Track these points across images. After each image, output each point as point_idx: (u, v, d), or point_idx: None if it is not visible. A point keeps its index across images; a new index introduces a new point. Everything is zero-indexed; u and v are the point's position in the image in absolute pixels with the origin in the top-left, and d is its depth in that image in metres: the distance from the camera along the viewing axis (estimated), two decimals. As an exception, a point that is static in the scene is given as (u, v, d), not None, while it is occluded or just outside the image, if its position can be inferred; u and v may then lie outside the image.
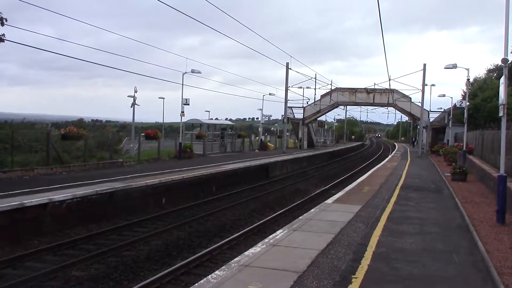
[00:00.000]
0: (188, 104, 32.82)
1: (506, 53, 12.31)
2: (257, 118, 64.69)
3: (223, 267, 7.52)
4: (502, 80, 12.71)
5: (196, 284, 6.77)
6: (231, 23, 25.71)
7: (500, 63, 12.87)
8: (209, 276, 7.02)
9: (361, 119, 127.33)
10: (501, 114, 12.59)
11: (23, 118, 30.45)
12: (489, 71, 61.76)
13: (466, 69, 33.23)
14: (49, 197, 13.56)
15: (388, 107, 62.45)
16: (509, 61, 13.03)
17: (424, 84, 46.84)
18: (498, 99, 13.22)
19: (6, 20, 14.71)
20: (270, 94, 50.96)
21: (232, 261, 7.89)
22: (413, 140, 76.39)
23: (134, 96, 31.65)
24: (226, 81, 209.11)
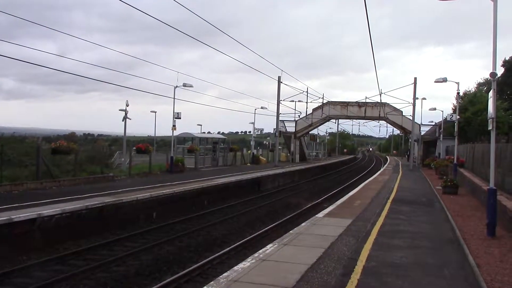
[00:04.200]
0: (180, 118, 32.79)
1: (494, 67, 12.41)
2: (249, 132, 64.67)
3: (212, 282, 7.44)
4: (491, 94, 12.79)
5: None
6: (230, 38, 25.89)
7: (489, 77, 12.95)
8: (198, 292, 6.96)
9: (353, 133, 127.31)
10: (490, 127, 12.66)
11: (13, 132, 30.27)
12: (479, 84, 62.35)
13: (456, 83, 33.39)
14: (38, 212, 13.43)
15: (380, 121, 62.75)
16: (498, 76, 13.12)
17: (415, 98, 47.25)
18: (487, 113, 13.29)
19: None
20: (262, 108, 51.04)
21: (221, 276, 7.82)
22: (407, 153, 76.63)
23: (126, 110, 31.60)
24: (221, 96, 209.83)
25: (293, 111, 57.45)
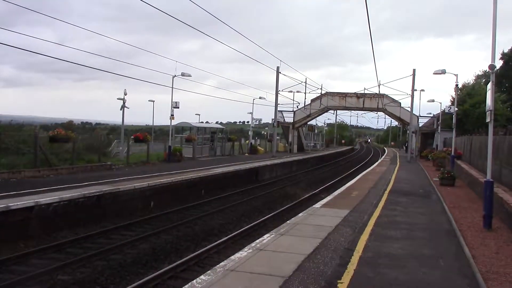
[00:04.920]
0: (178, 107, 32.75)
1: (493, 59, 12.39)
2: (248, 122, 64.65)
3: (209, 271, 7.48)
4: (489, 86, 12.79)
5: (181, 289, 6.73)
6: (230, 29, 25.85)
7: (488, 70, 12.93)
8: (194, 281, 6.97)
9: (351, 124, 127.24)
10: (488, 120, 12.67)
11: (11, 119, 30.19)
12: (478, 77, 62.28)
13: (455, 74, 33.41)
14: (36, 200, 13.44)
15: (378, 112, 62.72)
16: (496, 68, 13.10)
17: (413, 89, 47.12)
18: (486, 105, 13.30)
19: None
20: (260, 98, 50.99)
21: (217, 265, 7.85)
22: (405, 145, 76.70)
23: (124, 98, 31.59)
24: (220, 85, 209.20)
25: (292, 102, 57.46)
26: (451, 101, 50.59)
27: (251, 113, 51.90)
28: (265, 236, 10.26)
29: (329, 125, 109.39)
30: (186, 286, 6.81)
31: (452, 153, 31.92)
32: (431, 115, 58.18)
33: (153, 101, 62.59)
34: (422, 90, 52.16)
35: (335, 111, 74.58)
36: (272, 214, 18.02)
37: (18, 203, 12.89)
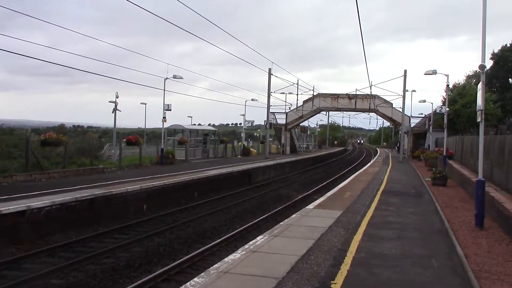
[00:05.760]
0: (170, 110, 32.65)
1: (483, 59, 12.49)
2: (240, 124, 64.64)
3: (202, 274, 7.47)
4: (479, 86, 12.87)
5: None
6: (222, 31, 25.89)
7: (478, 70, 13.05)
8: (188, 283, 6.96)
9: (344, 125, 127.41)
10: (479, 119, 12.74)
11: (2, 123, 30.04)
12: (468, 77, 62.72)
13: (445, 75, 33.60)
14: (27, 204, 13.35)
15: (370, 113, 62.92)
16: (487, 68, 13.19)
17: (405, 90, 47.39)
18: (476, 105, 13.39)
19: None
20: (252, 99, 50.97)
21: (211, 267, 7.84)
22: (397, 145, 76.99)
23: (116, 101, 31.48)
24: (212, 87, 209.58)
25: (284, 103, 57.56)
26: (442, 101, 50.96)
27: (244, 115, 51.89)
28: (258, 238, 10.26)
29: (321, 126, 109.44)
30: (180, 288, 6.80)
31: (444, 153, 32.05)
32: (423, 116, 58.50)
33: (145, 104, 62.48)
34: (414, 91, 52.54)
35: (327, 112, 74.66)
36: (266, 215, 18.02)
37: (9, 207, 12.80)
